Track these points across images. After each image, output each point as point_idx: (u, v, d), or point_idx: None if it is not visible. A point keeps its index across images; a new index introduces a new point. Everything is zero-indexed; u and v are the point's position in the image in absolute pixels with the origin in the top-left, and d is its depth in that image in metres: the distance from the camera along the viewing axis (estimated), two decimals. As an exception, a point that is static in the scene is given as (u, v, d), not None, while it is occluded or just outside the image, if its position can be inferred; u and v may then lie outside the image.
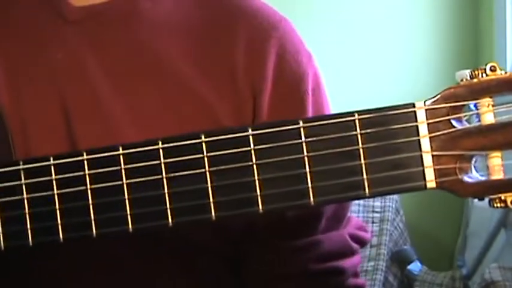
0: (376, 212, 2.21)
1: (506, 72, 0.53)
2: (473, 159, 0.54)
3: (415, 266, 2.21)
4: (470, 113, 0.54)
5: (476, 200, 0.54)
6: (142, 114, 0.70)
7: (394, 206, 2.23)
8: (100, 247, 0.68)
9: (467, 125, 0.53)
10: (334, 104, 0.74)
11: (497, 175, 0.53)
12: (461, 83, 0.54)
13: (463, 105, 0.53)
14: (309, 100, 0.73)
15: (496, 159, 0.53)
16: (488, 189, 0.53)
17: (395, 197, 2.24)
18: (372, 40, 2.50)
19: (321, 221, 0.73)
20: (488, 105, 0.53)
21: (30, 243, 0.58)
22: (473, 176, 0.54)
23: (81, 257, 0.69)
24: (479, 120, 0.53)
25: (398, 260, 2.22)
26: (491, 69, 0.53)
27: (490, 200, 0.53)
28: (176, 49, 0.73)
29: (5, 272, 0.68)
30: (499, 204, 0.53)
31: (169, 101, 0.71)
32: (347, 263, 0.75)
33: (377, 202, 2.22)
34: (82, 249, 0.68)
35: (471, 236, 2.40)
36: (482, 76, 0.53)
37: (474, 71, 0.54)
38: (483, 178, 0.53)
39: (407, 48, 2.53)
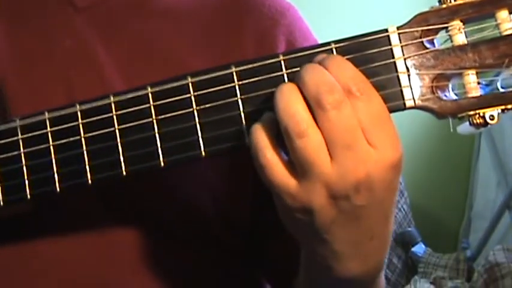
0: (380, 194, 2.20)
1: (473, -3, 0.56)
2: (451, 81, 0.56)
3: (419, 248, 2.21)
4: (443, 35, 0.56)
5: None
6: None
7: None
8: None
9: (440, 47, 0.55)
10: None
11: (474, 93, 0.55)
12: (431, 8, 0.56)
13: (435, 29, 0.55)
14: None
15: (471, 77, 0.55)
16: (465, 107, 0.55)
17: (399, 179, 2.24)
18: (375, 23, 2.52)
19: None
20: (459, 28, 0.55)
21: (28, 196, 0.59)
22: (450, 96, 0.56)
23: (84, 246, 0.70)
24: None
25: (403, 241, 2.22)
26: (458, -5, 0.56)
27: (470, 118, 0.55)
28: (185, 37, 0.73)
29: None
30: (478, 121, 0.55)
31: None
32: None
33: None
34: (83, 234, 0.70)
35: (475, 218, 2.40)
36: (450, 2, 0.56)
37: (443, -2, 0.56)
38: (460, 97, 0.55)
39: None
